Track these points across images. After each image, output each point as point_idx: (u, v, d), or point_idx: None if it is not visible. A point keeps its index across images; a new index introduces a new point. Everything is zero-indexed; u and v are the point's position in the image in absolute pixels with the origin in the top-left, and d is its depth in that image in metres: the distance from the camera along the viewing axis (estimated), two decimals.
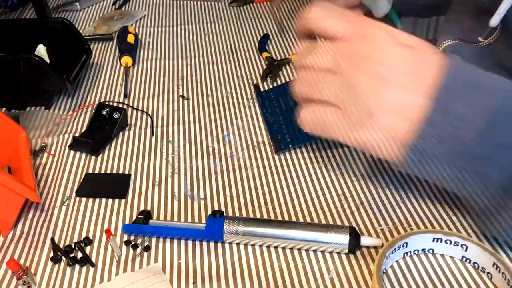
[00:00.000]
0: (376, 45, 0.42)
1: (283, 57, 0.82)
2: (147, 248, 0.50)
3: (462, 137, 0.40)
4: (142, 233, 0.51)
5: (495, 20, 0.53)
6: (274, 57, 0.82)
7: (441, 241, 0.46)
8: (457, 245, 0.46)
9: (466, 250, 0.46)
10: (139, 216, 0.51)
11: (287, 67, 0.79)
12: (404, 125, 0.41)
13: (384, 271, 0.46)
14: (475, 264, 0.46)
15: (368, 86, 0.41)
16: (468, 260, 0.46)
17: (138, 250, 0.50)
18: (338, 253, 0.48)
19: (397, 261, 0.47)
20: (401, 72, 0.41)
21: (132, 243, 0.50)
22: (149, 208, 0.55)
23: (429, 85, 0.40)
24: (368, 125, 0.42)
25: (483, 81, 0.42)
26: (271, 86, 0.75)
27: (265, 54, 0.82)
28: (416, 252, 0.48)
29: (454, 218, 0.51)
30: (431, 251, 0.48)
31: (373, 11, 0.64)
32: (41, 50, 0.76)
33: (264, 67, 0.80)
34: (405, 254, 0.47)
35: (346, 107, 0.42)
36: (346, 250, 0.47)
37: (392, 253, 0.46)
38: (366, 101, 0.41)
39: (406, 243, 0.46)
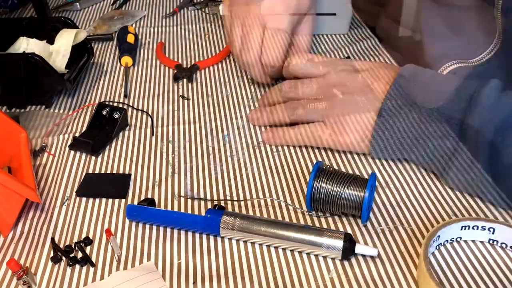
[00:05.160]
0: (343, 76, 0.61)
1: None
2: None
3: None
4: (144, 218, 0.52)
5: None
6: None
7: (468, 228, 0.48)
8: (484, 229, 0.48)
9: (493, 233, 0.48)
10: (142, 202, 0.53)
11: None
12: (367, 119, 0.57)
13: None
14: (503, 244, 0.48)
15: (342, 102, 0.59)
16: (495, 242, 0.48)
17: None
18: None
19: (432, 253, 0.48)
20: (359, 88, 0.59)
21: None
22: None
23: (379, 94, 0.58)
24: (346, 130, 0.58)
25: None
26: None
27: None
28: (445, 242, 0.48)
29: (453, 218, 0.51)
30: (458, 239, 0.49)
31: None
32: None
33: None
34: (437, 247, 0.48)
35: (331, 122, 0.59)
36: (340, 257, 0.47)
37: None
38: (343, 112, 0.58)
39: (439, 236, 0.47)
